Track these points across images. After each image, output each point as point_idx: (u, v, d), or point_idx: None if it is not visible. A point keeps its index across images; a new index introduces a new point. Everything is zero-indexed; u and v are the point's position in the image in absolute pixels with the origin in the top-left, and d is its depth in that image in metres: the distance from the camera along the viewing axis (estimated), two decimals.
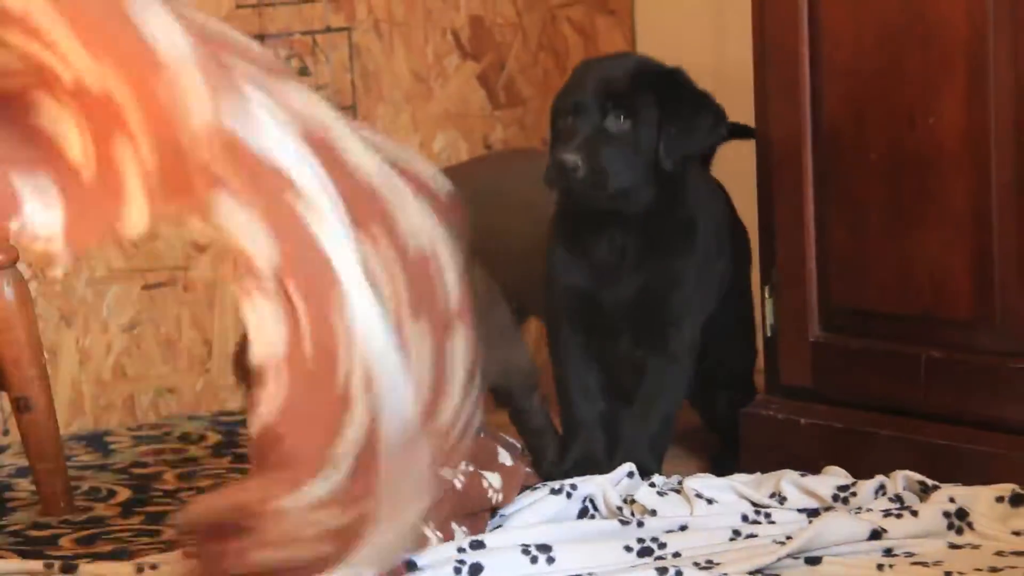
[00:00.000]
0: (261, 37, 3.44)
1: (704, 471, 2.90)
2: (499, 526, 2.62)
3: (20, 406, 2.84)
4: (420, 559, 2.46)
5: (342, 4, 3.52)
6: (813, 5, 2.85)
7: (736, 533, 2.58)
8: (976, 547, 2.50)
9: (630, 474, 2.73)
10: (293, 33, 3.49)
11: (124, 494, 2.96)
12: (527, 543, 2.50)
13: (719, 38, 3.52)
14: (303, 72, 3.49)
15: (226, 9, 3.43)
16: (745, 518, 2.63)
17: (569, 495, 2.66)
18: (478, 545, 2.51)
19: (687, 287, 2.80)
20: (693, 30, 3.60)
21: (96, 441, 3.27)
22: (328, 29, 3.52)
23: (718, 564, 2.44)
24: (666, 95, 2.81)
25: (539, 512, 2.64)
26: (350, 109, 3.53)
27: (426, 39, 3.60)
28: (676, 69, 2.87)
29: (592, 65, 2.87)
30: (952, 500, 2.58)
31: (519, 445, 2.73)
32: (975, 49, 2.67)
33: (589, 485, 2.68)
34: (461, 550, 2.49)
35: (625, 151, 2.77)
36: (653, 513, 2.66)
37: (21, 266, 2.90)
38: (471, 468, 2.55)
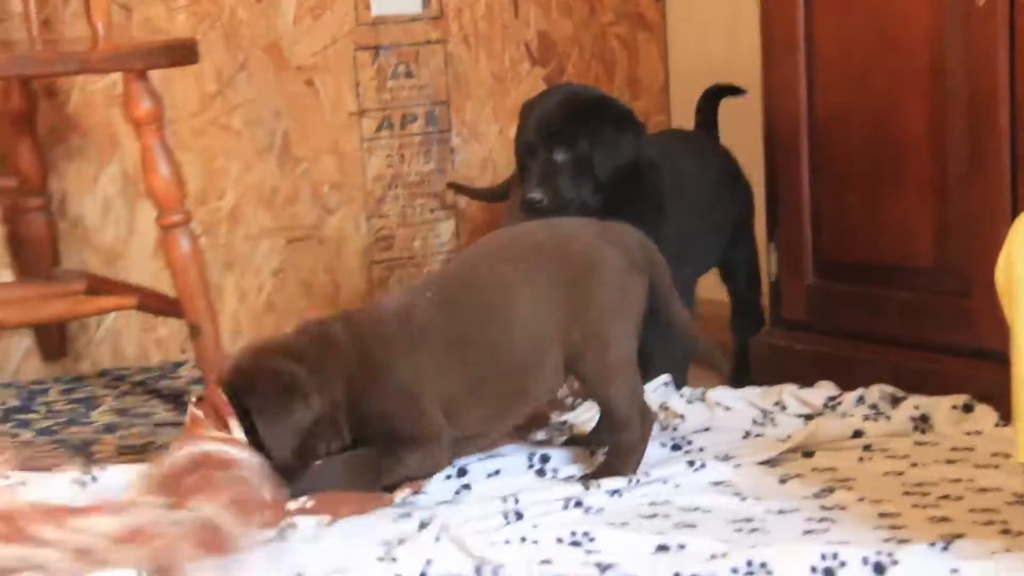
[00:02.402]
0: (377, 48, 3.47)
1: (723, 386, 2.90)
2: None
3: (193, 332, 2.84)
4: (502, 449, 2.47)
5: (439, 22, 3.50)
6: (808, 21, 2.81)
7: (747, 433, 2.58)
8: (935, 444, 2.50)
9: (666, 383, 2.73)
10: (401, 44, 3.48)
11: None
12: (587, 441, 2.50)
13: (734, 45, 3.46)
14: (408, 75, 3.51)
15: (348, 26, 3.43)
16: (755, 421, 2.63)
17: None
18: (545, 443, 2.53)
19: (662, 241, 2.63)
20: (713, 39, 3.56)
21: None
22: (428, 42, 3.50)
23: (734, 457, 2.44)
24: (593, 121, 2.72)
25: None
26: (444, 104, 3.54)
27: (504, 49, 3.58)
28: (600, 97, 2.79)
29: (534, 106, 2.77)
30: (917, 408, 2.58)
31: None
32: (935, 59, 2.64)
33: None
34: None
35: (571, 174, 2.71)
36: (683, 418, 2.65)
37: (194, 224, 2.91)
38: None
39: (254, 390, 2.20)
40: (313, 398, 2.21)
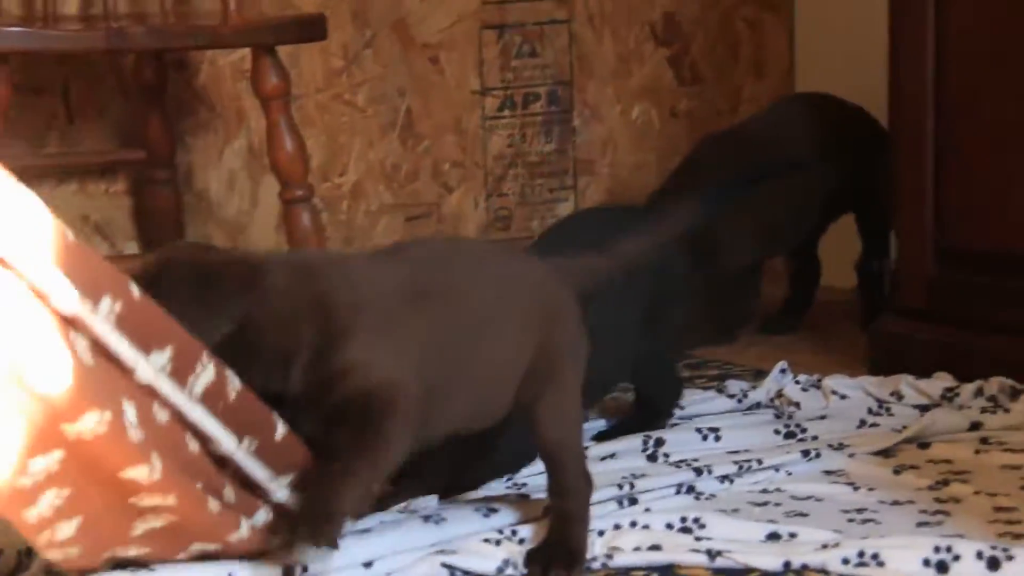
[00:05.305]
0: (502, 27, 3.47)
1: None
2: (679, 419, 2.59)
3: None
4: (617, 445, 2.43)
5: (564, 2, 3.51)
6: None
7: (863, 422, 2.56)
8: None
9: (782, 370, 2.71)
10: (526, 24, 3.48)
11: None
12: (700, 427, 2.50)
13: (863, 28, 3.45)
14: (532, 54, 3.51)
15: (475, 4, 3.44)
16: (870, 411, 2.61)
17: (740, 400, 2.65)
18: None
19: None
20: (841, 22, 3.56)
21: None
22: (552, 21, 3.51)
23: (848, 446, 2.42)
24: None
25: (712, 406, 2.64)
26: (567, 84, 3.55)
27: (628, 30, 3.58)
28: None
29: None
30: None
31: None
32: None
33: (757, 392, 2.67)
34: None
35: None
36: (797, 405, 2.64)
37: (316, 200, 2.94)
38: None
39: (170, 277, 1.84)
40: (234, 302, 1.83)
